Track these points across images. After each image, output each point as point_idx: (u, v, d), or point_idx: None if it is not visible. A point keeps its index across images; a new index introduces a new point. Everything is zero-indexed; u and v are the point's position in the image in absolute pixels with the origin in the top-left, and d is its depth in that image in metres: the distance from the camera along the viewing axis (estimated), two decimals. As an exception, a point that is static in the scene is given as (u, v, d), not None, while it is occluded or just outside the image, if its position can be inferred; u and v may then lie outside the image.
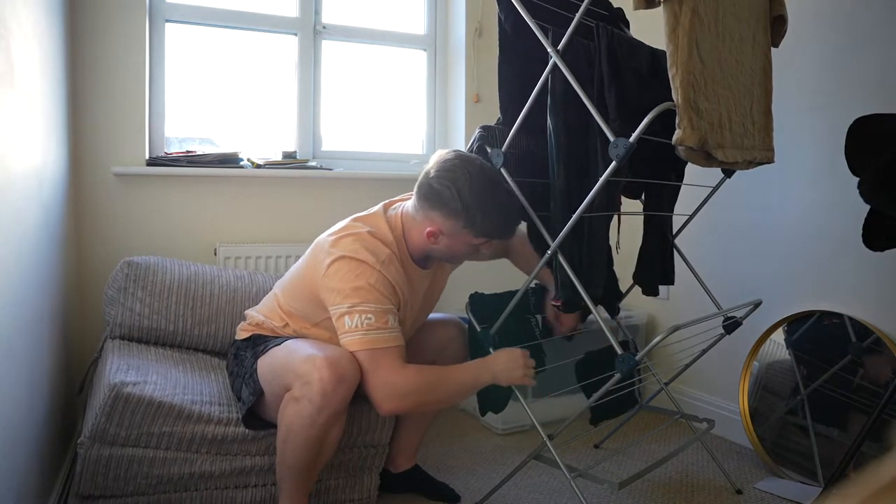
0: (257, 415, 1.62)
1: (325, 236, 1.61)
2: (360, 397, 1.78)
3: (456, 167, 1.53)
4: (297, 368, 1.44)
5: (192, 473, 1.58)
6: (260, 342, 1.66)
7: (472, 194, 1.50)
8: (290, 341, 1.57)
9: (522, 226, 1.68)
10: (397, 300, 1.54)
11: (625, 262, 2.13)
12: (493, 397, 1.82)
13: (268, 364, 1.56)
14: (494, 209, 1.53)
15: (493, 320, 1.74)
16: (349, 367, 1.43)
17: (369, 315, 1.45)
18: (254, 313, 1.76)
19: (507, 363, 1.53)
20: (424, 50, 2.90)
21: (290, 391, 1.45)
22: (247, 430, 1.61)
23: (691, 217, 1.97)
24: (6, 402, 1.26)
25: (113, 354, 1.77)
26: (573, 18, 1.48)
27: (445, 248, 1.60)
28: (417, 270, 1.65)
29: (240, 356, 1.69)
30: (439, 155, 1.59)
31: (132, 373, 1.63)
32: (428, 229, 1.56)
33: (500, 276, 2.77)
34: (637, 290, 2.04)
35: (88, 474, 1.52)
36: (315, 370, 1.40)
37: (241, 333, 1.75)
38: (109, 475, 1.53)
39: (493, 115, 1.86)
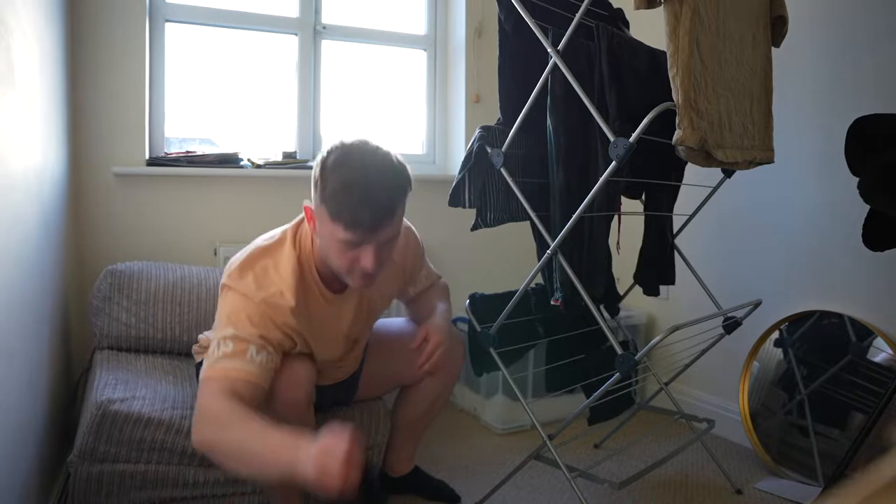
0: None
1: (231, 261, 1.44)
2: (352, 403, 1.79)
3: (343, 141, 1.33)
4: None
5: (185, 484, 1.58)
6: None
7: (337, 158, 1.29)
8: None
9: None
10: (277, 336, 1.36)
11: (625, 262, 2.13)
12: (486, 360, 1.82)
13: None
14: (350, 185, 1.25)
15: (493, 320, 1.74)
16: (300, 367, 1.41)
17: (228, 342, 1.30)
18: (202, 335, 1.72)
19: (320, 469, 1.07)
20: (424, 50, 2.90)
21: None
22: None
23: (691, 217, 1.97)
24: (7, 409, 1.26)
25: (101, 368, 1.75)
26: (573, 18, 1.48)
27: (322, 241, 1.35)
28: (328, 295, 1.46)
29: (200, 380, 1.67)
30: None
31: (120, 388, 1.61)
32: (306, 211, 1.37)
33: (500, 276, 2.77)
34: (637, 290, 2.04)
35: (81, 492, 1.50)
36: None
37: (195, 357, 1.72)
38: (102, 491, 1.51)
39: (493, 115, 1.86)
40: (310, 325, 1.43)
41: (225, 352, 1.30)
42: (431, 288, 1.79)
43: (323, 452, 1.08)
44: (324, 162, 1.30)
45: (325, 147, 1.34)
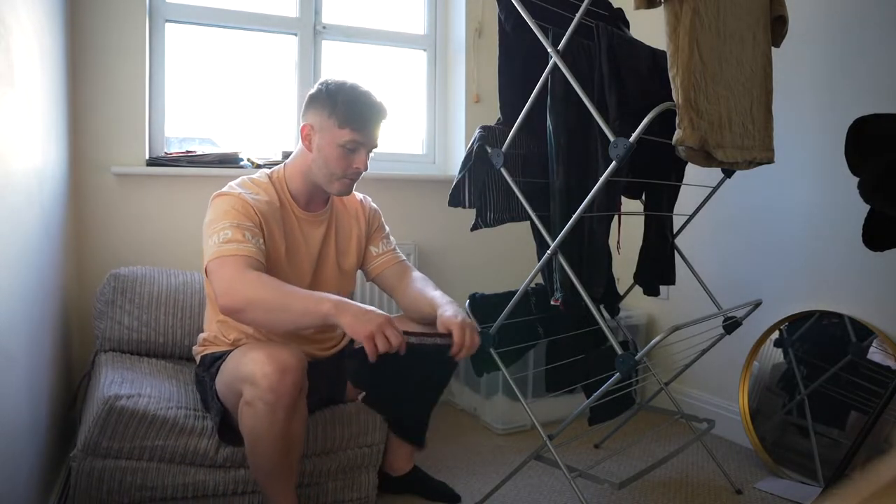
0: (236, 429, 1.58)
1: None
2: (350, 402, 1.79)
3: (324, 80, 1.67)
4: (242, 373, 1.43)
5: (185, 484, 1.57)
6: (210, 363, 1.65)
7: (335, 85, 1.64)
8: (233, 352, 1.56)
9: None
10: (261, 227, 1.58)
11: (625, 262, 2.13)
12: (486, 360, 1.79)
13: (222, 381, 1.56)
14: (355, 96, 1.62)
15: (493, 320, 1.74)
16: (289, 356, 1.42)
17: (227, 230, 1.51)
18: (202, 334, 1.77)
19: (359, 315, 1.39)
20: (424, 50, 2.90)
21: (242, 397, 1.43)
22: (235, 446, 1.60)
23: (691, 217, 1.97)
24: (7, 410, 1.26)
25: (106, 367, 1.75)
26: (573, 18, 1.48)
27: (318, 154, 1.63)
28: (298, 211, 1.69)
29: (200, 379, 1.69)
30: None
31: (126, 385, 1.61)
32: (303, 131, 1.65)
33: (500, 276, 2.77)
34: (637, 290, 2.04)
35: (82, 487, 1.50)
36: (258, 368, 1.39)
37: (196, 358, 1.75)
38: (104, 488, 1.51)
39: (493, 115, 1.86)
40: (281, 230, 1.64)
41: (226, 237, 1.51)
42: (410, 269, 1.83)
43: (367, 309, 1.40)
44: (326, 88, 1.63)
45: (318, 83, 1.67)
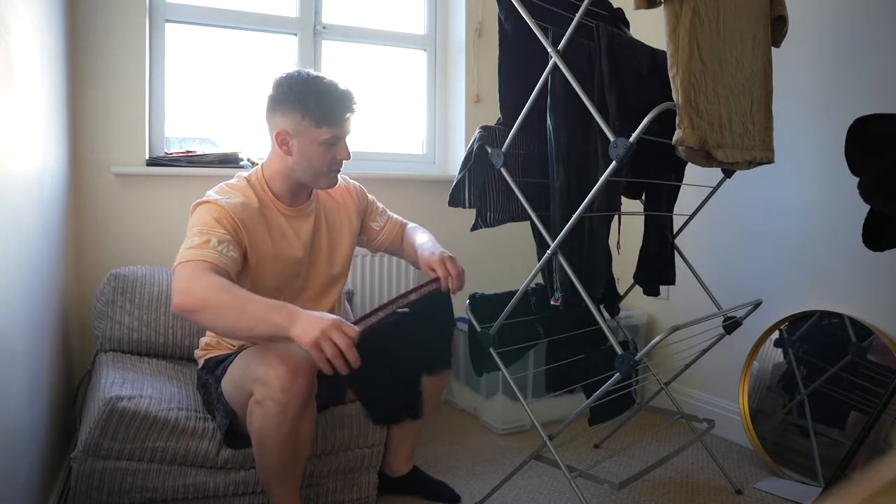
0: (240, 433, 1.60)
1: None
2: (350, 402, 1.79)
3: (283, 74, 1.64)
4: (254, 373, 1.44)
5: (186, 486, 1.58)
6: (214, 366, 1.65)
7: (297, 84, 1.60)
8: (241, 353, 1.56)
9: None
10: (237, 232, 1.54)
11: (625, 262, 2.13)
12: (486, 360, 1.81)
13: (229, 382, 1.55)
14: (324, 91, 1.59)
15: (493, 320, 1.74)
16: (301, 357, 1.41)
17: (194, 237, 1.48)
18: (203, 338, 1.77)
19: (306, 323, 1.29)
20: (424, 50, 2.90)
21: (252, 396, 1.43)
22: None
23: (691, 217, 1.97)
24: (7, 410, 1.26)
25: (107, 368, 1.76)
26: (573, 18, 1.48)
27: (300, 157, 1.61)
28: (283, 208, 1.67)
29: (203, 382, 1.69)
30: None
31: (127, 387, 1.61)
32: (277, 138, 1.61)
33: (500, 276, 2.77)
34: (637, 290, 2.04)
35: (83, 488, 1.50)
36: (270, 369, 1.40)
37: (198, 361, 1.75)
38: (104, 489, 1.52)
39: (493, 115, 1.86)
40: (266, 229, 1.62)
41: (192, 244, 1.47)
42: (405, 226, 1.92)
43: (317, 315, 1.30)
44: (289, 88, 1.59)
45: (275, 81, 1.62)
